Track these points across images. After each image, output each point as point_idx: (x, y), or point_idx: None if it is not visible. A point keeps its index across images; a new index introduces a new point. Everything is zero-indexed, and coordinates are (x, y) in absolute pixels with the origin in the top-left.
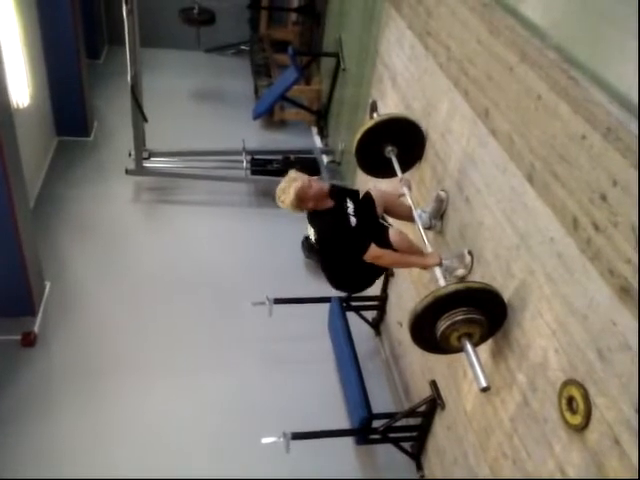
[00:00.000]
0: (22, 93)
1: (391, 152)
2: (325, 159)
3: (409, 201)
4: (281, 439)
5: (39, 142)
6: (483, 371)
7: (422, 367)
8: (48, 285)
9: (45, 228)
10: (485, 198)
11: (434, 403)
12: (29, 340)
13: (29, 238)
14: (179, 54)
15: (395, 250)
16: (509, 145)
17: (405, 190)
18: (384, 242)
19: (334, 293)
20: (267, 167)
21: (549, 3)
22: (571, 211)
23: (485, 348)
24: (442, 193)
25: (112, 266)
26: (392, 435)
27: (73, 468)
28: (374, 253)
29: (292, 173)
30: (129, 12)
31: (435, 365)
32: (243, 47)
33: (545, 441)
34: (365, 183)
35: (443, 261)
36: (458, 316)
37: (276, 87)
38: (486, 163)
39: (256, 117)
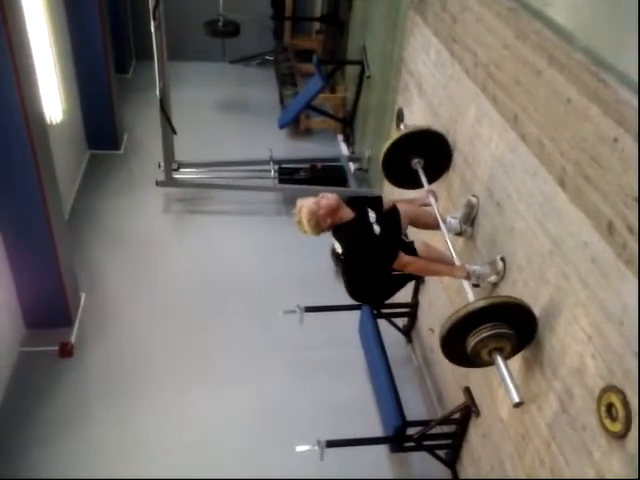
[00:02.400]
0: (56, 109)
1: (418, 164)
2: (352, 166)
3: (435, 212)
4: (315, 447)
5: (72, 156)
6: (515, 385)
7: (455, 374)
8: (83, 296)
9: (79, 239)
10: (516, 203)
11: (469, 410)
12: (66, 350)
13: (65, 250)
14: (205, 66)
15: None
16: (539, 149)
17: (432, 201)
18: (409, 254)
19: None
20: (294, 176)
21: (575, 6)
22: (605, 215)
23: (520, 355)
24: (473, 198)
25: (144, 276)
26: (427, 443)
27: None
28: (403, 260)
29: (298, 202)
30: (157, 27)
31: (469, 372)
32: (268, 57)
33: (584, 449)
34: (392, 190)
35: (474, 267)
36: (484, 332)
37: (301, 96)
38: (516, 168)
39: (282, 126)
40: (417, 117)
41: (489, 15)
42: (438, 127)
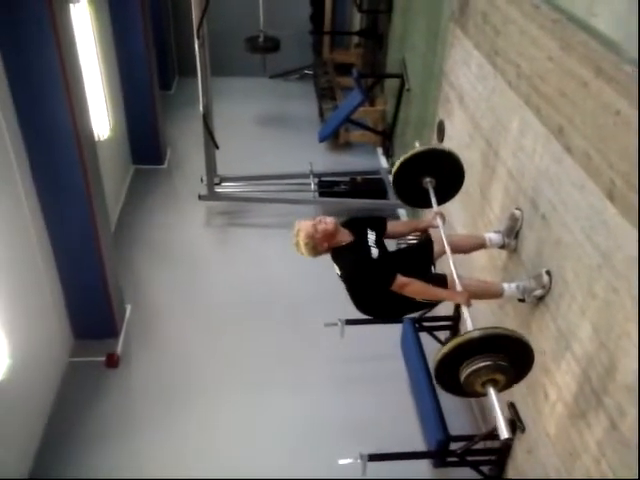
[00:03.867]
0: (104, 127)
1: (429, 183)
2: (391, 179)
3: (442, 234)
4: (358, 460)
5: (118, 171)
6: (505, 421)
7: None
8: (128, 308)
9: (124, 252)
10: (562, 216)
11: (514, 425)
12: (113, 361)
13: (111, 263)
14: (245, 81)
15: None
16: (586, 162)
17: (439, 223)
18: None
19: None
20: (334, 189)
21: (622, 16)
22: None
23: (567, 369)
24: (517, 211)
25: (187, 288)
26: (470, 458)
27: None
28: (400, 282)
29: (296, 224)
30: (200, 45)
31: (514, 386)
32: (307, 71)
33: (637, 467)
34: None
35: (517, 283)
36: (477, 364)
37: (341, 110)
38: (562, 180)
39: (322, 140)
40: (458, 129)
41: (533, 27)
42: (479, 140)
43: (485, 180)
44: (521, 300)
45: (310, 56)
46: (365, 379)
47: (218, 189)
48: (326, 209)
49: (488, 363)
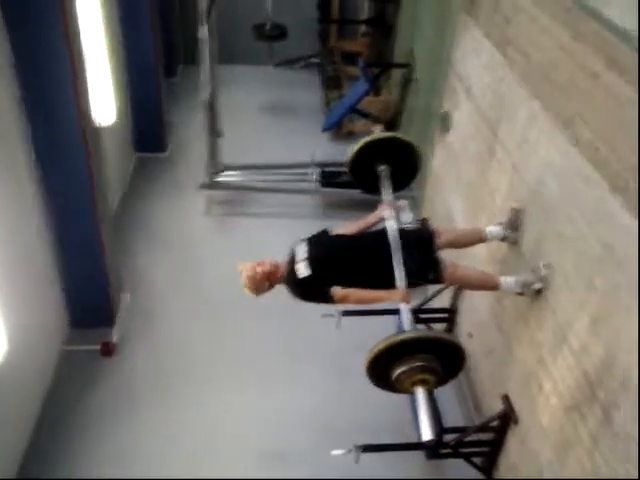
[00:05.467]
0: (108, 114)
1: (383, 171)
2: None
3: (391, 223)
4: (351, 451)
5: (121, 158)
6: (430, 423)
7: (494, 380)
8: (126, 296)
9: (123, 240)
10: (565, 208)
11: (507, 418)
12: (108, 350)
13: (111, 251)
14: (251, 69)
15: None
16: (593, 154)
17: (386, 214)
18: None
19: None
20: (336, 179)
21: (636, 6)
22: None
23: (563, 362)
24: (519, 204)
25: (186, 277)
26: (463, 450)
27: (147, 470)
28: (338, 296)
29: (239, 266)
30: (207, 32)
31: (508, 378)
32: (313, 60)
33: (630, 460)
34: (435, 193)
35: (513, 278)
36: (407, 365)
37: (346, 99)
38: (567, 173)
39: (325, 129)
40: (464, 120)
41: (544, 16)
42: (485, 130)
43: (489, 171)
44: (520, 294)
45: (316, 44)
46: (360, 370)
47: (219, 178)
48: (327, 199)
49: (418, 364)
